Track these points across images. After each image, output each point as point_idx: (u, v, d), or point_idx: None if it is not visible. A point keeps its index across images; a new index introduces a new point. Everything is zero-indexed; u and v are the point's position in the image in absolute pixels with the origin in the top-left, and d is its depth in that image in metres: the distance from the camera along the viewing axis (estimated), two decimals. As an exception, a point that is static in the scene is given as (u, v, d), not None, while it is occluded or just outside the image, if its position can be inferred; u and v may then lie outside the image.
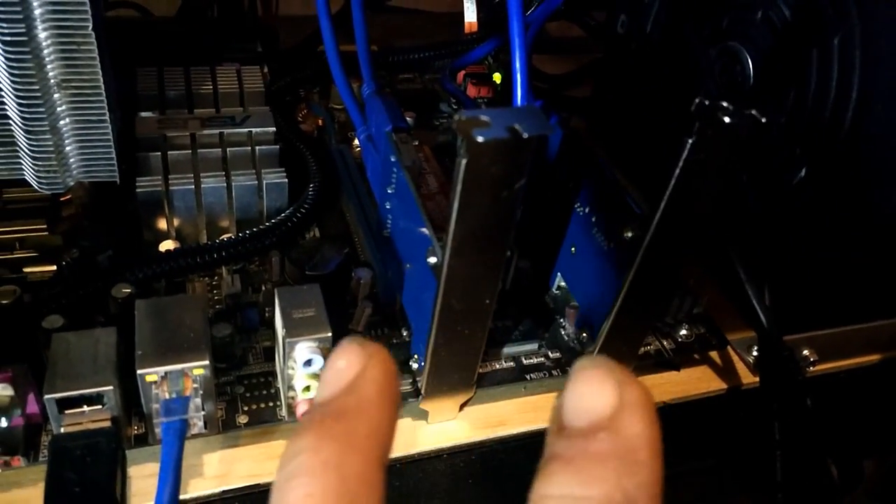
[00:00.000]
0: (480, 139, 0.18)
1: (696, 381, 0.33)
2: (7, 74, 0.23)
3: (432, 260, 0.24)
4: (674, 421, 0.31)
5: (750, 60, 0.35)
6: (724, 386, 0.33)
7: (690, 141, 0.22)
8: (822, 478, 0.31)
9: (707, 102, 0.21)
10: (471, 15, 0.49)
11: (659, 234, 0.25)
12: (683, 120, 0.22)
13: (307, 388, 0.25)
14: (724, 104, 0.21)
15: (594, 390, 0.14)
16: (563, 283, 0.33)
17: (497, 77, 0.48)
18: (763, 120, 0.21)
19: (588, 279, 0.30)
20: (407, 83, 0.49)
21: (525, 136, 0.18)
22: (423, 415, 0.29)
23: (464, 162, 0.19)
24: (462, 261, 0.22)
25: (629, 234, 0.26)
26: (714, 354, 0.34)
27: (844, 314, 0.36)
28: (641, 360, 0.32)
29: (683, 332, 0.33)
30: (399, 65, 0.48)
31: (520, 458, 0.29)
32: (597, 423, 0.14)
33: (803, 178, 0.33)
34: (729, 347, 0.34)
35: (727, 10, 0.36)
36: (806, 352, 0.34)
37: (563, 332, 0.32)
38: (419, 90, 0.48)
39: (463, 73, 0.47)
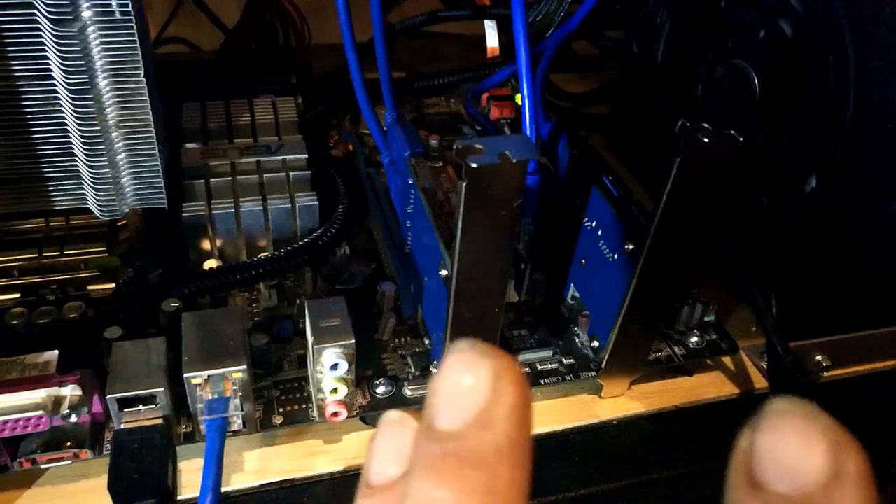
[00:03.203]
0: (474, 165, 0.20)
1: (707, 386, 0.34)
2: (74, 118, 0.27)
3: (443, 273, 0.26)
4: (685, 423, 0.33)
5: (756, 77, 0.37)
6: (737, 391, 0.34)
7: (678, 159, 0.24)
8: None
9: (689, 124, 0.23)
10: (492, 40, 0.51)
11: (656, 246, 0.27)
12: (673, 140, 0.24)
13: (335, 391, 0.27)
14: (705, 125, 0.23)
15: (804, 448, 0.12)
16: (576, 294, 0.35)
17: (519, 98, 0.50)
18: (741, 139, 0.23)
19: (597, 289, 0.32)
20: (433, 107, 0.52)
21: (514, 160, 0.21)
22: (444, 417, 0.31)
23: (463, 185, 0.22)
24: (469, 273, 0.25)
25: (630, 247, 0.28)
26: (727, 361, 0.36)
27: (859, 320, 0.37)
28: (651, 366, 0.33)
29: (694, 338, 0.34)
30: (425, 90, 0.50)
31: (534, 457, 0.31)
32: (806, 493, 0.12)
33: (815, 188, 0.34)
34: (743, 354, 0.36)
35: (732, 29, 0.38)
36: (818, 357, 0.35)
37: (576, 340, 0.34)
38: (445, 113, 0.51)
39: (486, 95, 0.50)
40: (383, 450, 0.15)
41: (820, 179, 0.34)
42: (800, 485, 0.12)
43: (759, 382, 0.35)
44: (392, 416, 0.15)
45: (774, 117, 0.35)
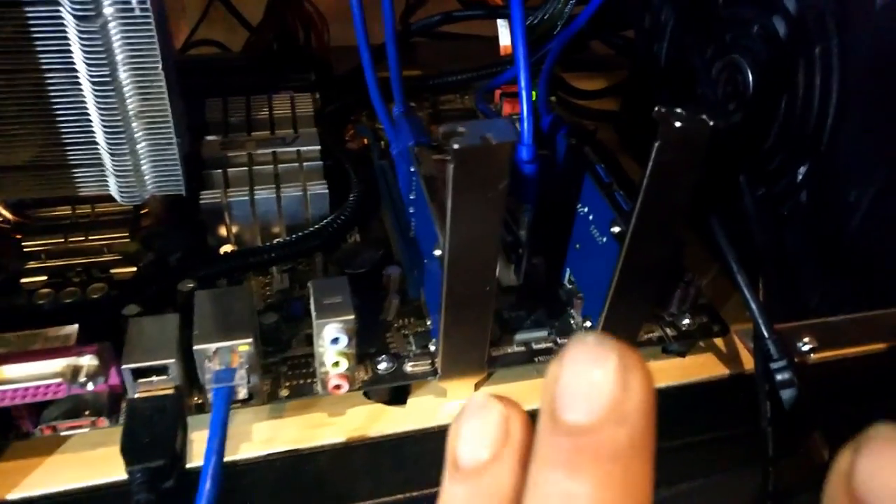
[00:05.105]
0: (456, 146, 0.22)
1: (699, 367, 0.36)
2: (96, 109, 0.29)
3: (437, 252, 0.28)
4: (675, 402, 0.34)
5: (749, 71, 0.37)
6: (728, 372, 0.36)
7: (655, 143, 0.25)
8: (813, 456, 0.32)
9: (663, 110, 0.25)
10: (505, 39, 0.53)
11: (639, 227, 0.28)
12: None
13: (336, 364, 0.29)
14: (678, 111, 0.25)
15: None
16: (572, 278, 0.36)
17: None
18: (711, 123, 0.24)
19: (589, 272, 0.33)
20: (449, 104, 0.53)
21: (494, 142, 0.22)
22: (443, 392, 0.32)
23: (451, 166, 0.23)
24: (460, 250, 0.26)
25: (615, 230, 0.29)
26: (720, 343, 0.37)
27: (848, 305, 0.37)
28: (642, 347, 0.34)
29: (686, 321, 0.35)
30: (440, 87, 0.52)
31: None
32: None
33: (803, 176, 0.35)
34: (735, 337, 0.37)
35: (729, 25, 0.39)
36: (807, 339, 0.36)
37: (571, 322, 0.35)
38: (459, 110, 0.52)
39: (499, 92, 0.51)
40: (472, 432, 0.15)
41: (808, 168, 0.35)
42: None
43: (749, 364, 0.36)
44: (479, 399, 0.15)
45: (766, 108, 0.36)
